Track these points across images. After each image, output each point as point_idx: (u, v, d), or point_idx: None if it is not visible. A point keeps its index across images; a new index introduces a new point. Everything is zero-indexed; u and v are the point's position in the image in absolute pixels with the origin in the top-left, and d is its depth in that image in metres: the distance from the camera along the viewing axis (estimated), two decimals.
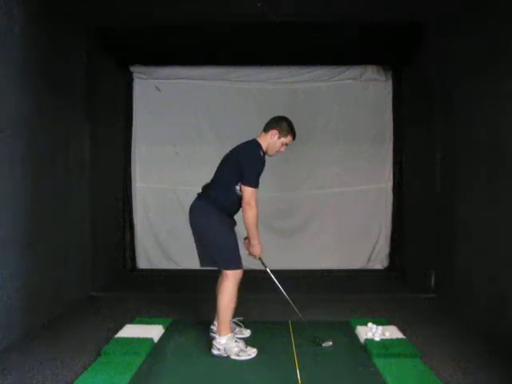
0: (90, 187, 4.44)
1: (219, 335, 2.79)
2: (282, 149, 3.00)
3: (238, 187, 2.84)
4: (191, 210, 2.93)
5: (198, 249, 2.94)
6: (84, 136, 4.35)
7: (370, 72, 5.75)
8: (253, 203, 2.77)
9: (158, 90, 5.77)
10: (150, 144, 5.78)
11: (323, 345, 2.95)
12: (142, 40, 4.87)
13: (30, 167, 3.29)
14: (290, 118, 3.06)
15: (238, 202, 2.88)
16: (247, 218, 2.81)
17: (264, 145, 2.92)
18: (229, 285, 2.77)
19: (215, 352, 2.77)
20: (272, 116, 3.07)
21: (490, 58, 3.30)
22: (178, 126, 5.72)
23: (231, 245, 2.85)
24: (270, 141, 2.93)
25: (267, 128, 2.98)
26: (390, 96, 5.77)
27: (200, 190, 3.02)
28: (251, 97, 5.74)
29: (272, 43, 4.89)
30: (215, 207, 2.86)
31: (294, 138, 3.00)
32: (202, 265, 2.95)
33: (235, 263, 2.82)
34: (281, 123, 2.97)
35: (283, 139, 2.96)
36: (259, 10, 4.10)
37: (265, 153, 2.91)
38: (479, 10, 3.46)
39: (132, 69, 5.77)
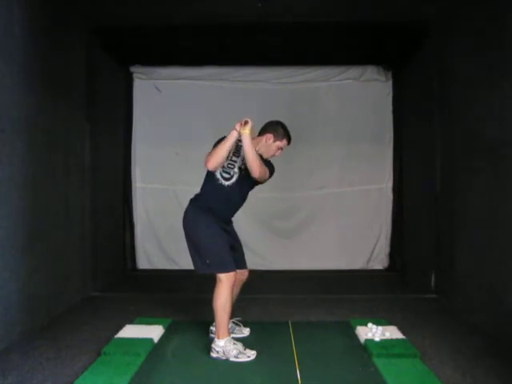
0: (90, 187, 4.44)
1: (217, 338, 2.78)
2: (278, 153, 3.01)
3: (218, 173, 2.86)
4: (184, 216, 2.93)
5: (191, 254, 2.91)
6: (84, 136, 4.35)
7: (370, 72, 5.76)
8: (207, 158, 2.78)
9: (158, 90, 5.77)
10: (150, 144, 5.78)
11: None
12: (142, 40, 4.88)
13: (30, 167, 3.29)
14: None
15: (224, 198, 2.86)
16: (212, 160, 2.77)
17: (256, 147, 2.87)
18: (223, 288, 2.75)
19: (214, 355, 2.77)
20: (272, 116, 3.10)
21: (490, 58, 3.30)
22: (178, 126, 5.72)
23: (220, 248, 2.82)
24: (265, 144, 2.94)
25: (262, 132, 2.99)
26: (390, 96, 5.78)
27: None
28: (251, 97, 5.74)
29: (272, 43, 4.90)
30: (203, 210, 2.85)
31: (289, 142, 3.02)
32: (196, 269, 2.91)
33: (227, 266, 2.79)
34: (276, 127, 2.99)
35: (278, 143, 2.98)
36: (259, 10, 4.11)
37: None
38: (479, 9, 3.46)
39: (132, 69, 5.78)
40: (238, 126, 2.75)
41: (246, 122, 2.73)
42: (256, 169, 2.74)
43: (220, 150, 2.77)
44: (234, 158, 2.91)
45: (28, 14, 3.27)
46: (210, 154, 2.81)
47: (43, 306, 3.48)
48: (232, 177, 2.88)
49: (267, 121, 3.07)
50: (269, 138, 2.96)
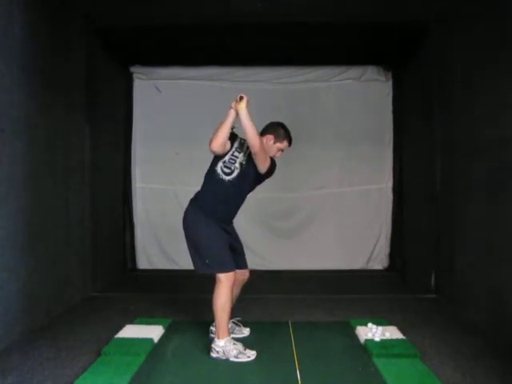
0: (90, 187, 4.44)
1: (217, 338, 2.78)
2: (278, 154, 3.00)
3: (218, 168, 2.85)
4: (183, 216, 2.92)
5: (190, 254, 2.91)
6: (84, 136, 4.34)
7: (370, 72, 5.76)
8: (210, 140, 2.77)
9: (158, 90, 5.77)
10: (150, 144, 5.78)
11: None
12: (142, 40, 4.88)
13: (30, 167, 3.29)
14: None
15: (224, 194, 2.85)
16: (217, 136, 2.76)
17: None
18: (223, 288, 2.75)
19: (214, 355, 2.77)
20: (272, 116, 3.11)
21: (490, 58, 3.30)
22: (178, 126, 5.72)
23: (219, 248, 2.82)
24: (266, 144, 2.92)
25: (263, 133, 2.98)
26: (390, 96, 5.78)
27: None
28: (251, 97, 5.69)
29: (272, 43, 4.90)
30: (203, 210, 2.85)
31: (290, 143, 3.02)
32: (196, 269, 2.91)
33: (226, 266, 2.79)
34: (277, 128, 2.99)
35: (279, 144, 2.97)
36: (259, 10, 4.11)
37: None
38: (479, 9, 3.46)
39: (132, 69, 5.78)
40: (233, 104, 2.77)
41: (241, 98, 2.73)
42: (255, 142, 2.72)
43: (220, 129, 2.78)
44: (235, 154, 2.90)
45: (28, 14, 3.27)
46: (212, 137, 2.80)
47: (43, 306, 3.48)
48: (233, 172, 2.87)
49: (267, 121, 3.08)
50: (269, 139, 2.96)
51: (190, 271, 3.04)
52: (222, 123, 2.80)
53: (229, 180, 2.86)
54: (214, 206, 2.86)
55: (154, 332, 3.10)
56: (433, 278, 4.38)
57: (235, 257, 2.92)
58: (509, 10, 3.02)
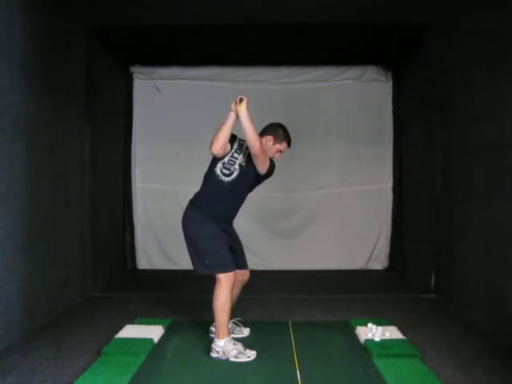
0: (90, 187, 4.44)
1: (217, 338, 2.78)
2: (277, 155, 3.00)
3: (218, 169, 2.85)
4: (183, 216, 2.93)
5: (190, 254, 2.91)
6: (84, 136, 4.34)
7: (370, 72, 5.76)
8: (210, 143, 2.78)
9: (158, 90, 5.77)
10: (150, 144, 5.78)
11: None
12: (142, 40, 4.88)
13: (30, 167, 3.29)
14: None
15: (223, 195, 2.85)
16: (218, 138, 2.76)
17: None
18: (222, 288, 2.75)
19: (214, 355, 2.77)
20: (271, 116, 3.11)
21: (490, 58, 3.30)
22: (178, 126, 5.72)
23: (219, 249, 2.82)
24: (265, 145, 2.91)
25: (262, 133, 2.97)
26: (390, 96, 5.78)
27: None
28: (251, 97, 5.67)
29: (272, 43, 4.90)
30: (202, 211, 2.85)
31: (289, 145, 3.02)
32: (195, 270, 2.91)
33: (226, 266, 2.79)
34: (277, 130, 2.99)
35: (278, 146, 2.97)
36: (259, 10, 4.11)
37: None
38: (479, 9, 3.46)
39: (132, 69, 5.78)
40: (233, 106, 2.77)
41: (240, 100, 2.73)
42: (255, 144, 2.72)
43: (221, 132, 2.78)
44: (235, 155, 2.90)
45: (28, 14, 3.27)
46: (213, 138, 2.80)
47: (43, 306, 3.48)
48: (232, 173, 2.87)
49: (267, 121, 3.08)
50: (269, 139, 2.96)
51: (190, 271, 3.04)
52: (222, 125, 2.80)
53: (228, 181, 2.86)
54: (214, 207, 2.86)
55: (154, 332, 3.10)
56: (433, 278, 4.38)
57: (235, 257, 2.92)
58: (509, 10, 3.02)
